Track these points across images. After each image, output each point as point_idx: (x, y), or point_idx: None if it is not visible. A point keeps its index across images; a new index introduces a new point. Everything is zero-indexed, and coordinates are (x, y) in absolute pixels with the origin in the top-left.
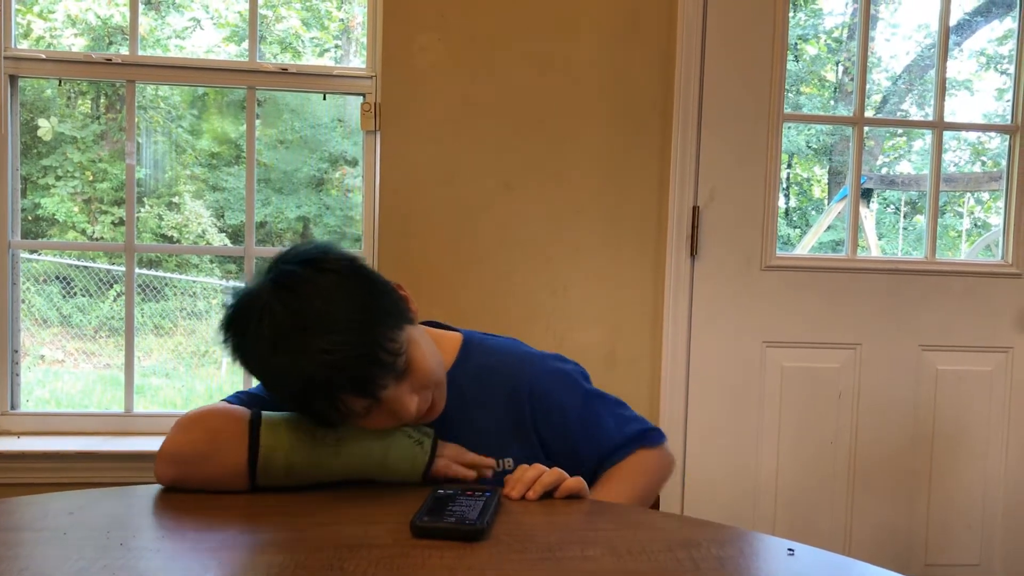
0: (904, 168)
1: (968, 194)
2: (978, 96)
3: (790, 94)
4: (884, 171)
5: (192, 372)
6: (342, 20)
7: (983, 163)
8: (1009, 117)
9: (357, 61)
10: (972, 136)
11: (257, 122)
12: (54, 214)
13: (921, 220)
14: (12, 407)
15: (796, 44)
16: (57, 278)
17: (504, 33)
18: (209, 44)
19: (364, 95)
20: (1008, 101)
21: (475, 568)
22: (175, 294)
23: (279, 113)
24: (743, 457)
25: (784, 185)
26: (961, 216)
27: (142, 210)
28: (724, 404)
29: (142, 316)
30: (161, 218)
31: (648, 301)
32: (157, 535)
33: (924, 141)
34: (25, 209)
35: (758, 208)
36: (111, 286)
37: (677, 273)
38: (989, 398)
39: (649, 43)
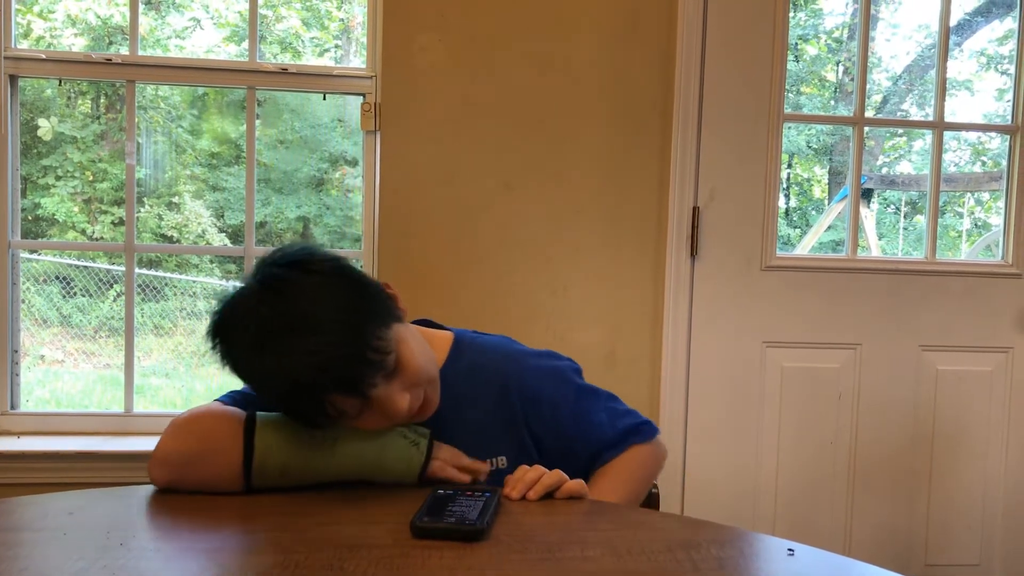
0: (904, 168)
1: (968, 194)
2: (978, 96)
3: (790, 94)
4: (884, 171)
5: (192, 372)
6: (342, 20)
7: (983, 163)
8: (1009, 117)
9: (357, 61)
10: (972, 136)
11: (257, 122)
12: (54, 214)
13: (921, 220)
14: (12, 407)
15: (796, 44)
16: (57, 278)
17: (504, 33)
18: (209, 44)
19: (364, 95)
20: (1008, 101)
21: (475, 568)
22: (175, 294)
23: (279, 113)
24: (743, 457)
25: (784, 185)
26: (961, 216)
27: (142, 210)
28: (724, 404)
29: (142, 316)
30: (161, 218)
31: (648, 301)
32: (157, 535)
33: (924, 141)
34: (25, 209)
35: (758, 208)
36: (111, 286)
37: (677, 273)
38: (989, 398)
39: (649, 43)
